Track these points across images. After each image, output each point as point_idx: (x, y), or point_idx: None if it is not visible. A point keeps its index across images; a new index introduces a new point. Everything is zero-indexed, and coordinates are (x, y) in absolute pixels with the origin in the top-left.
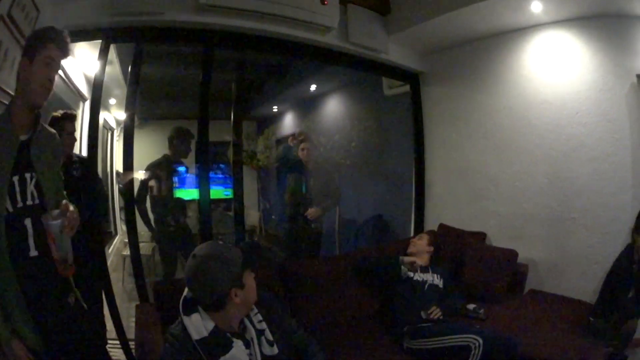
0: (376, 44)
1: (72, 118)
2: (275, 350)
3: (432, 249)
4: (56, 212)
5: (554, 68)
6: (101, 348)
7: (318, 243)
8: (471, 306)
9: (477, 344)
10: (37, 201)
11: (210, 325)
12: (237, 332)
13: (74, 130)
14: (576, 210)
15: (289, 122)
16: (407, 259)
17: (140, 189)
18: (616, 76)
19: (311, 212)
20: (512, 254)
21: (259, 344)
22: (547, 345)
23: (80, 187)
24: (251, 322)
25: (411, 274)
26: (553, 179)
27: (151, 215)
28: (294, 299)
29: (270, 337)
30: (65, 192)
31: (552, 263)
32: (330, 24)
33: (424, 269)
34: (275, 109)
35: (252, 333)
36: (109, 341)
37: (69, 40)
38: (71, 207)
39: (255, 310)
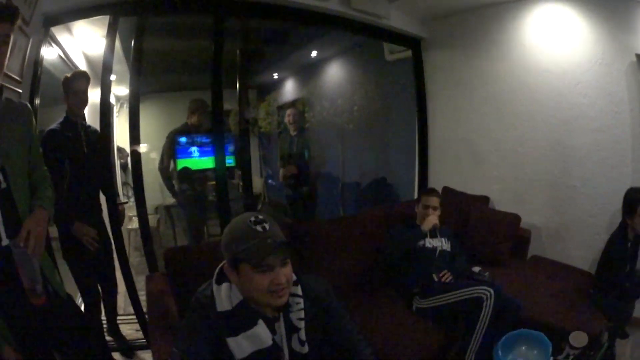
0: (378, 9)
1: (79, 76)
2: (306, 349)
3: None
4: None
5: (555, 39)
6: (85, 337)
7: (312, 205)
8: (476, 269)
9: (488, 294)
10: (3, 185)
11: (238, 297)
12: (267, 316)
13: (81, 88)
14: (577, 178)
15: (289, 89)
16: (428, 223)
17: (162, 156)
18: (616, 52)
19: (282, 172)
20: (516, 219)
21: (288, 340)
22: (548, 312)
23: (92, 158)
24: (288, 318)
25: (422, 242)
26: (554, 146)
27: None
28: (303, 259)
29: (303, 337)
30: (46, 168)
31: (553, 230)
32: None
33: (433, 234)
34: (275, 76)
35: (282, 330)
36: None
37: (16, 13)
38: (33, 229)
39: (300, 306)
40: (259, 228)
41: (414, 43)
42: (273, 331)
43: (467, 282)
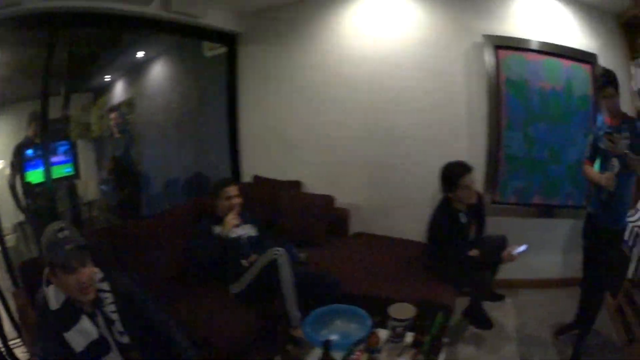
0: (195, 9)
1: None
2: (126, 339)
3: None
4: None
5: (380, 27)
6: None
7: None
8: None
9: (279, 253)
10: None
11: (62, 297)
12: (88, 311)
13: None
14: (397, 157)
15: (119, 90)
16: (228, 223)
17: (11, 172)
18: (456, 34)
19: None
20: (328, 199)
21: (111, 333)
22: (371, 285)
23: None
24: (102, 310)
25: (227, 233)
26: (371, 128)
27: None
28: (122, 259)
29: (121, 328)
30: None
31: (376, 207)
32: None
33: (236, 224)
34: (108, 78)
35: (101, 322)
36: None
37: None
38: None
39: (110, 300)
40: (60, 235)
41: (230, 39)
42: (97, 324)
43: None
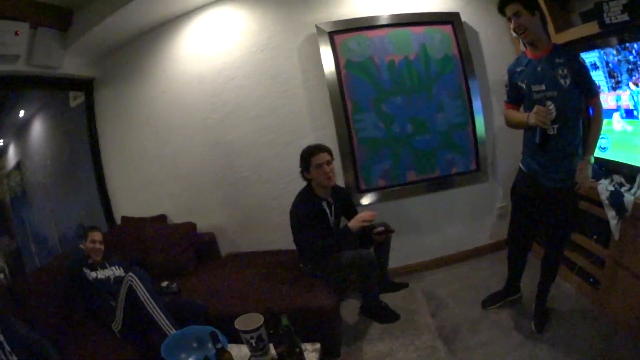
0: (52, 60)
1: None
2: (15, 358)
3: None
4: None
5: (214, 43)
6: None
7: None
8: (164, 283)
9: (129, 277)
10: None
11: None
12: None
13: None
14: (245, 168)
15: (12, 153)
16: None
17: None
18: (287, 33)
19: None
20: (190, 226)
21: (4, 353)
22: (235, 303)
23: None
24: None
25: (94, 275)
26: (213, 146)
27: None
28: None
29: (9, 348)
30: None
31: (238, 224)
32: (18, 52)
33: (102, 266)
34: (1, 142)
35: None
36: None
37: None
38: None
39: None
40: None
41: (87, 85)
42: None
43: None
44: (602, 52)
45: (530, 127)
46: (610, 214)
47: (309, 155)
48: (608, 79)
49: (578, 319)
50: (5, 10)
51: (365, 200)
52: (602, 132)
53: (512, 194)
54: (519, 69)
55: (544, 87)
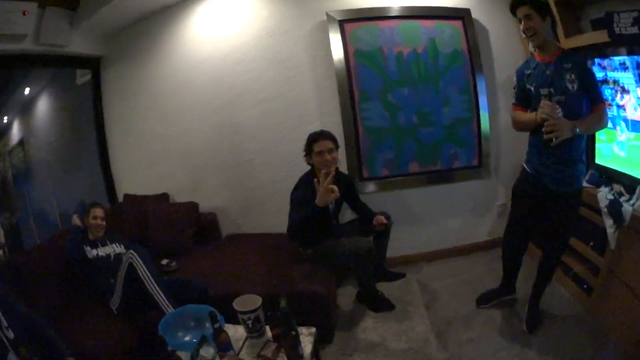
0: (60, 39)
1: None
2: (11, 334)
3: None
4: None
5: (223, 26)
6: None
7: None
8: (164, 261)
9: (130, 255)
10: None
11: None
12: None
13: None
14: (251, 151)
15: (16, 130)
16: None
17: None
18: (298, 18)
19: None
20: (192, 206)
21: (0, 329)
22: (235, 283)
23: None
24: None
25: (94, 252)
26: (219, 129)
27: None
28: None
29: (6, 323)
30: None
31: (241, 206)
32: (25, 31)
33: (103, 242)
34: (5, 119)
35: None
36: None
37: None
38: None
39: None
40: None
41: (94, 63)
42: None
43: None
44: None
45: (537, 129)
46: (608, 223)
47: (312, 141)
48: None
49: (570, 323)
50: None
51: (368, 188)
52: (600, 130)
53: (513, 194)
54: (527, 72)
55: (552, 90)
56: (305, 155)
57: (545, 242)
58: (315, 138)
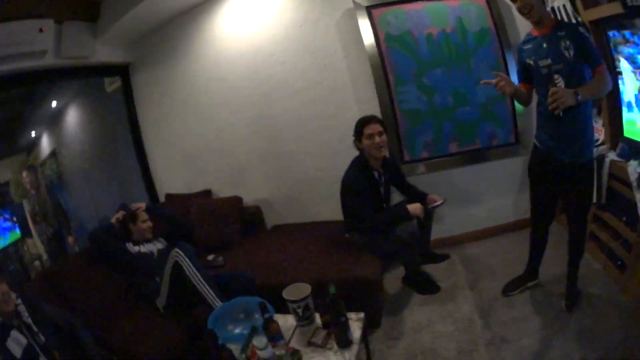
0: (84, 50)
1: None
2: (42, 338)
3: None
4: None
5: (250, 22)
6: None
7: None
8: (210, 257)
9: (176, 252)
10: None
11: None
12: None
13: None
14: (290, 142)
15: (45, 143)
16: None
17: None
18: (325, 8)
19: None
20: (236, 200)
21: (31, 335)
22: (282, 273)
23: None
24: (20, 315)
25: (137, 249)
26: (257, 122)
27: None
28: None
29: (35, 329)
30: None
31: (284, 197)
32: (44, 47)
33: (147, 240)
34: (33, 134)
35: (25, 331)
36: None
37: None
38: None
39: (23, 306)
40: None
41: (123, 70)
42: (24, 334)
43: None
44: None
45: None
46: (638, 197)
47: (362, 126)
48: None
49: (604, 302)
50: (30, 8)
51: (411, 170)
52: (605, 93)
53: (529, 172)
54: (526, 47)
55: (550, 61)
56: (355, 140)
57: (567, 217)
58: (365, 121)
